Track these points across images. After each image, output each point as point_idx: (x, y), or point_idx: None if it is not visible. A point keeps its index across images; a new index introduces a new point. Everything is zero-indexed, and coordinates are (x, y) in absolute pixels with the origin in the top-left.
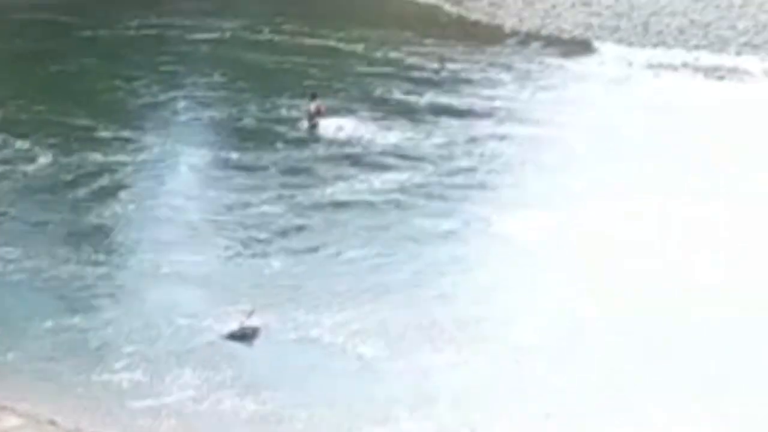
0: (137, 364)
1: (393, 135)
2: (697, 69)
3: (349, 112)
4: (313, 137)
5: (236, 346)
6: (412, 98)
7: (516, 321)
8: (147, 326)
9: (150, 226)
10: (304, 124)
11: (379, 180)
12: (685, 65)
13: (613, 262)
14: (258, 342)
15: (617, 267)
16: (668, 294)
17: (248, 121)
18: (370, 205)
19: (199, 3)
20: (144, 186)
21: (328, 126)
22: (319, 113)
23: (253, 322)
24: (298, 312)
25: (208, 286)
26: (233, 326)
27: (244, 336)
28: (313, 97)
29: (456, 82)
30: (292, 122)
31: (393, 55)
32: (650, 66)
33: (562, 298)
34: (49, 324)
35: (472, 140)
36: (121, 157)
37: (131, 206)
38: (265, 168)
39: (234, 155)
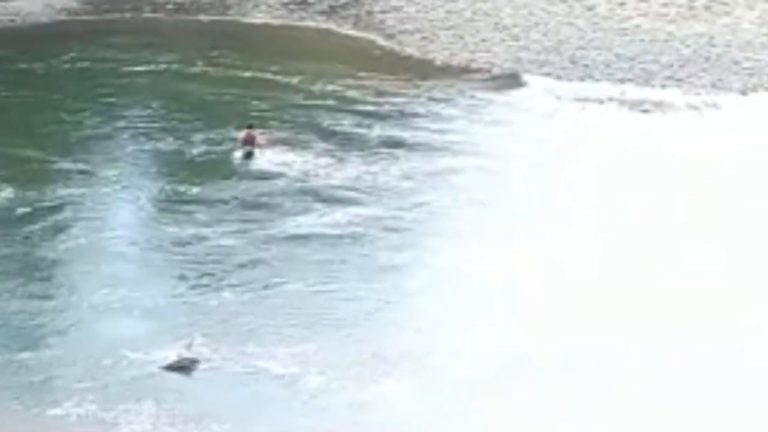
0: (83, 398)
1: (346, 168)
2: (623, 102)
3: (299, 144)
4: (257, 170)
5: (181, 378)
6: (361, 131)
7: (461, 353)
8: (94, 359)
9: (103, 259)
10: (237, 153)
11: (335, 213)
12: (611, 99)
13: (558, 293)
14: (202, 373)
15: (562, 298)
16: (611, 325)
17: (197, 153)
18: (326, 238)
19: (133, 37)
20: (97, 219)
21: (267, 156)
22: (253, 143)
23: (192, 353)
24: (248, 344)
25: (158, 320)
26: (172, 358)
27: (183, 367)
28: (249, 127)
29: (396, 116)
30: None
31: (331, 88)
32: (577, 99)
33: (507, 329)
34: None
35: (420, 173)
36: (74, 191)
37: (84, 240)
38: (219, 201)
39: (187, 188)
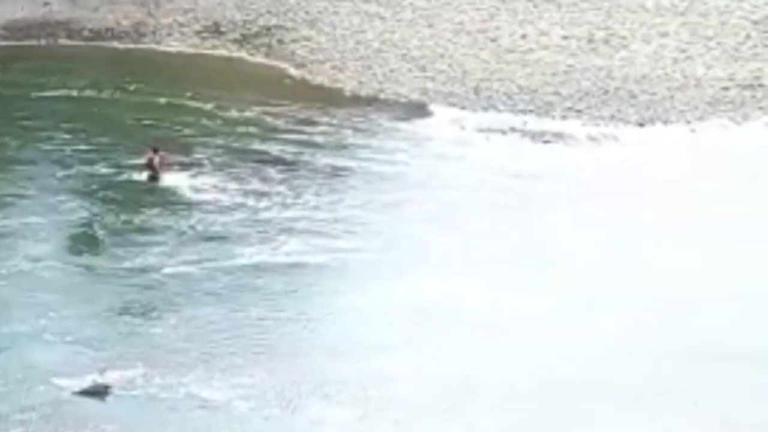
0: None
1: (301, 197)
2: (524, 133)
3: (235, 170)
4: (204, 198)
5: (111, 405)
6: (299, 159)
7: (404, 381)
8: (15, 386)
9: (36, 288)
10: (143, 175)
11: (285, 245)
12: (513, 129)
13: (504, 321)
14: (135, 400)
15: (508, 327)
16: (560, 354)
17: (126, 178)
18: (280, 268)
19: (49, 63)
20: (30, 246)
21: (173, 180)
22: (152, 165)
23: (105, 379)
24: (184, 371)
25: (93, 348)
26: (85, 383)
27: (96, 393)
28: (155, 150)
29: (329, 145)
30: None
31: (248, 114)
32: (481, 129)
33: (453, 359)
34: None
35: (376, 203)
36: (4, 217)
37: (18, 267)
38: (166, 229)
39: (129, 216)
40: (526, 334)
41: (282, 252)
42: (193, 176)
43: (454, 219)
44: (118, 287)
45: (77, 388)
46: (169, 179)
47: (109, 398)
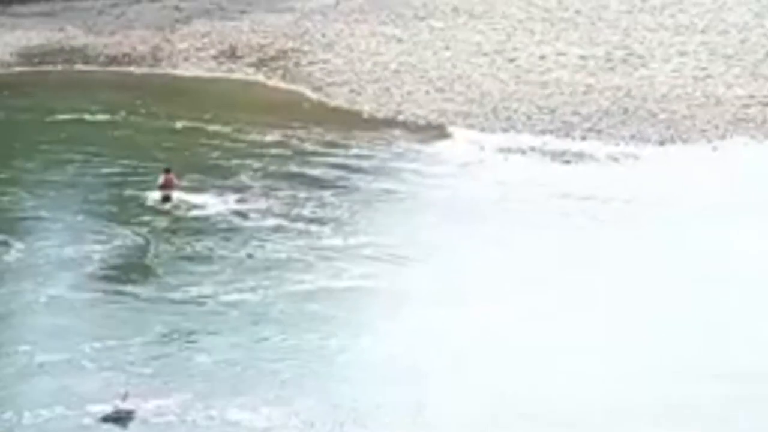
0: None
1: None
2: (544, 153)
3: (282, 194)
4: (170, 211)
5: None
6: (343, 182)
7: (449, 407)
8: (45, 414)
9: (71, 314)
10: (156, 195)
11: (345, 271)
12: (533, 149)
13: (553, 353)
14: (175, 428)
15: (548, 352)
16: (594, 380)
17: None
18: (336, 292)
19: (66, 89)
20: (68, 272)
21: (184, 200)
22: (169, 186)
23: (128, 404)
24: (230, 398)
25: (128, 375)
26: (108, 409)
27: (119, 419)
28: (167, 171)
29: (370, 168)
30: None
31: (271, 137)
32: (500, 150)
33: (500, 385)
34: None
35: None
36: (38, 242)
37: (54, 293)
38: (222, 258)
39: (177, 243)
40: (572, 359)
41: (341, 278)
42: (240, 201)
43: (508, 242)
44: (172, 315)
45: (101, 414)
46: (182, 198)
47: (135, 424)
